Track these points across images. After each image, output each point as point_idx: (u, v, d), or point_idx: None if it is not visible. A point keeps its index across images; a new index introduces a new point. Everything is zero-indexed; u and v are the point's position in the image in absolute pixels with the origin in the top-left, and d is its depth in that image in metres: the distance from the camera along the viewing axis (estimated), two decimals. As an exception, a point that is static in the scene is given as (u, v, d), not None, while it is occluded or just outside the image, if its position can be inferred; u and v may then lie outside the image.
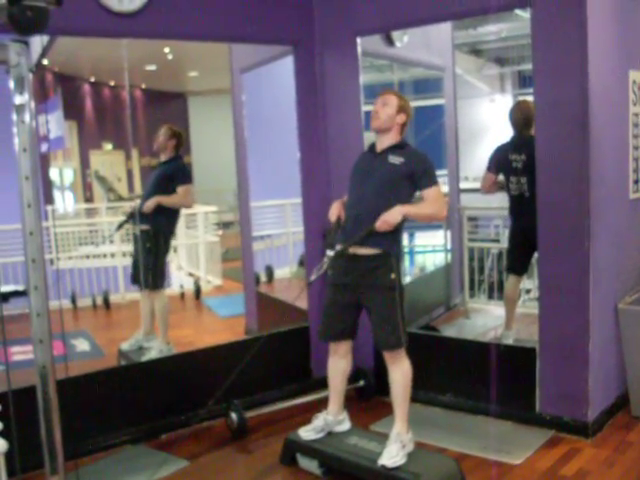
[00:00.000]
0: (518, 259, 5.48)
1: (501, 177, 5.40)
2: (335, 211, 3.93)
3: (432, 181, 3.72)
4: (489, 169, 5.44)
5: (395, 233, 3.75)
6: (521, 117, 5.20)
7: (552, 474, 3.84)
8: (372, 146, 3.94)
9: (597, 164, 4.12)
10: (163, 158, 5.62)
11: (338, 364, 4.03)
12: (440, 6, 4.65)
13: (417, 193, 3.79)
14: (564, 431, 4.31)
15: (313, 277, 3.83)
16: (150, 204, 5.42)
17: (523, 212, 5.12)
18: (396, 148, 3.80)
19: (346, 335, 3.97)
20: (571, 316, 4.21)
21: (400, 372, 3.76)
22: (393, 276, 3.72)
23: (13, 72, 2.27)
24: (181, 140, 5.66)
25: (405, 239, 7.85)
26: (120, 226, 5.92)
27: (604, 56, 4.24)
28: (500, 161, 5.35)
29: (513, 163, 5.20)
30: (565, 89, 4.09)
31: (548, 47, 4.14)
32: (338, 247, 3.78)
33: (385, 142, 3.83)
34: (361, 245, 3.72)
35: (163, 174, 5.55)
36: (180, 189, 5.48)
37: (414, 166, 3.72)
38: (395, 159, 3.75)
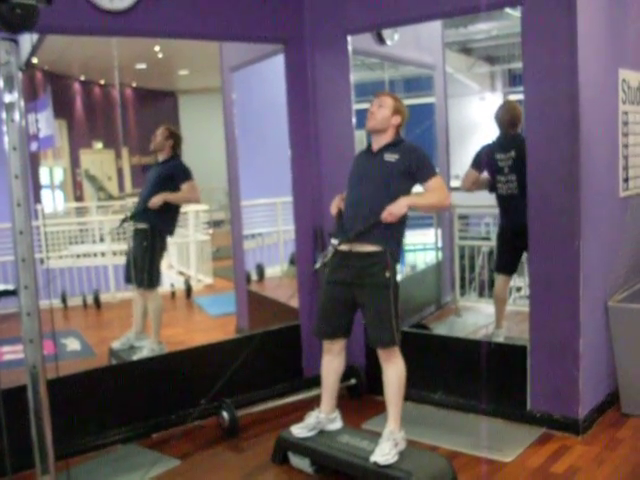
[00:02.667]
0: (507, 259, 5.49)
1: (485, 175, 5.41)
2: (335, 205, 3.96)
3: (430, 172, 3.77)
4: (472, 166, 5.45)
5: (394, 230, 3.77)
6: (507, 116, 5.22)
7: (543, 471, 3.85)
8: (368, 146, 3.97)
9: (587, 162, 4.13)
10: (161, 158, 5.62)
11: (332, 363, 4.03)
12: (431, 4, 4.65)
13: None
14: (555, 428, 4.32)
15: (318, 264, 3.93)
16: (156, 200, 5.41)
17: (512, 211, 5.13)
18: (391, 146, 3.82)
19: (341, 333, 3.97)
20: (562, 314, 4.23)
21: (394, 371, 3.76)
22: (388, 274, 3.73)
23: (2, 70, 2.26)
24: (178, 140, 5.67)
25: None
26: (122, 223, 5.88)
27: (594, 54, 4.25)
28: (486, 160, 5.36)
29: (499, 162, 5.21)
30: (555, 87, 4.10)
31: (538, 45, 4.14)
32: (339, 240, 3.80)
33: (381, 142, 3.86)
34: (359, 241, 3.74)
35: (163, 173, 5.54)
36: (184, 186, 5.49)
37: (410, 161, 3.74)
38: (391, 157, 3.77)
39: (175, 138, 5.62)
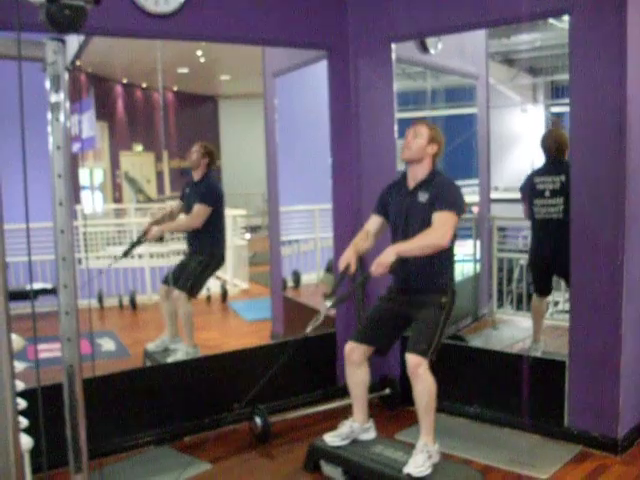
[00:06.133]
0: (541, 283, 5.45)
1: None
2: (345, 259, 3.83)
3: (445, 205, 3.64)
4: (522, 199, 5.45)
5: (443, 268, 3.76)
6: (554, 144, 5.14)
7: (580, 490, 3.78)
8: (404, 177, 3.92)
9: (633, 176, 4.05)
10: (196, 177, 5.62)
11: (356, 374, 3.97)
12: (476, 13, 4.61)
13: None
14: (592, 447, 4.24)
15: (309, 329, 3.77)
16: (155, 233, 5.48)
17: (551, 236, 5.05)
18: (425, 182, 3.78)
19: (377, 342, 3.93)
20: (603, 329, 4.15)
21: (422, 387, 3.64)
22: (444, 300, 3.72)
23: (49, 70, 2.26)
24: (213, 158, 5.69)
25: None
26: (126, 253, 5.85)
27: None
28: (527, 187, 5.34)
29: (538, 185, 5.16)
30: (602, 100, 4.03)
31: (586, 56, 4.08)
32: (330, 302, 3.80)
33: (417, 174, 3.82)
34: (411, 282, 3.78)
35: (195, 197, 5.54)
36: (195, 207, 5.48)
37: (434, 195, 3.69)
38: (423, 196, 3.73)
39: (210, 156, 5.63)
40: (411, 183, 3.84)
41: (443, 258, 3.73)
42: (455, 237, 3.74)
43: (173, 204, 5.92)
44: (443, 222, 3.61)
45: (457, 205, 3.67)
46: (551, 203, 5.08)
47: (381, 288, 4.15)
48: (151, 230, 5.52)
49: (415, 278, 3.79)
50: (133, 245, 5.71)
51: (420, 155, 3.78)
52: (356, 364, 3.94)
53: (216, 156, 5.76)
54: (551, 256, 5.05)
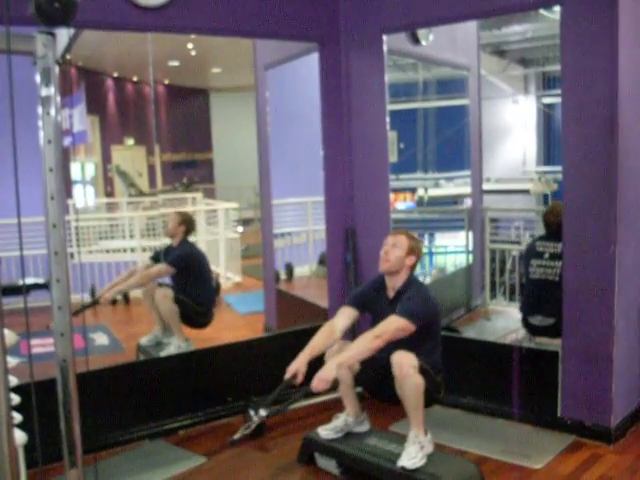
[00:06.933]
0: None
1: None
2: (295, 367, 3.72)
3: (404, 311, 3.62)
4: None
5: (427, 351, 3.71)
6: (555, 221, 5.11)
7: (573, 480, 3.80)
8: (383, 284, 3.91)
9: (625, 167, 4.05)
10: (174, 243, 5.66)
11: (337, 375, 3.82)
12: (467, 4, 4.60)
13: None
14: (586, 436, 4.26)
15: (237, 436, 3.71)
16: (107, 295, 5.62)
17: (544, 300, 5.06)
18: (401, 293, 3.79)
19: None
20: (595, 320, 4.16)
21: (409, 386, 3.56)
22: (439, 379, 3.75)
23: (39, 64, 2.25)
24: (191, 226, 5.75)
25: (425, 240, 7.83)
26: (79, 312, 5.72)
27: (635, 56, 4.18)
28: (527, 250, 5.44)
29: (538, 248, 5.23)
30: (594, 90, 4.03)
31: (577, 46, 4.08)
32: (268, 410, 3.73)
33: (395, 283, 3.84)
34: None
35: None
36: (157, 265, 5.58)
37: (406, 299, 3.70)
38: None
39: (187, 224, 5.68)
40: (390, 293, 3.87)
41: (427, 343, 3.73)
42: (435, 333, 3.80)
43: (141, 265, 6.07)
44: (389, 324, 3.62)
45: (413, 316, 3.62)
46: (549, 265, 5.11)
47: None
48: (104, 294, 5.65)
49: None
50: (85, 307, 5.37)
51: (399, 267, 3.81)
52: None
53: (193, 224, 5.86)
54: (542, 324, 5.08)
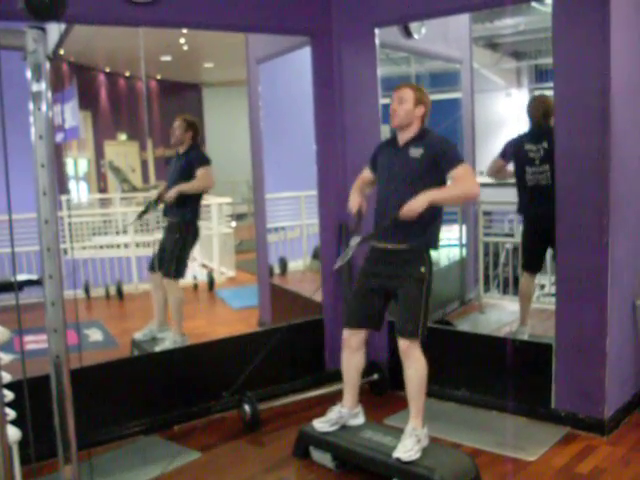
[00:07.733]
0: (534, 256, 5.44)
1: (511, 167, 5.39)
2: (355, 202, 3.92)
3: (455, 160, 3.65)
4: (500, 155, 5.50)
5: (427, 226, 3.71)
6: (540, 109, 5.16)
7: (567, 471, 3.81)
8: (393, 138, 3.91)
9: (617, 158, 4.06)
10: (181, 150, 5.58)
11: (351, 359, 3.99)
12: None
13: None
14: (580, 428, 4.27)
15: (337, 265, 3.89)
16: (172, 194, 5.41)
17: (540, 202, 5.06)
18: (416, 139, 3.76)
19: (370, 323, 3.92)
20: (588, 312, 4.17)
21: (414, 368, 3.70)
22: (423, 269, 3.71)
23: (30, 59, 2.24)
24: (197, 129, 5.63)
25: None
26: (140, 216, 5.90)
27: (627, 48, 4.18)
28: (515, 151, 5.33)
29: (530, 153, 5.17)
30: (586, 82, 4.03)
31: (569, 39, 4.08)
32: (359, 238, 3.76)
33: (406, 136, 3.80)
34: (391, 241, 3.73)
35: (185, 164, 5.51)
36: (199, 172, 5.44)
37: (434, 153, 3.68)
38: (416, 152, 3.71)
39: (193, 128, 5.58)
40: (401, 143, 3.84)
41: (428, 216, 3.67)
42: (440, 212, 3.79)
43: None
44: (465, 175, 3.62)
45: (462, 156, 3.74)
46: (540, 170, 5.11)
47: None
48: (165, 193, 5.52)
49: (395, 232, 3.73)
50: (148, 207, 5.74)
51: (409, 120, 3.78)
52: (354, 350, 3.96)
53: (199, 128, 5.72)
54: (543, 222, 5.02)
